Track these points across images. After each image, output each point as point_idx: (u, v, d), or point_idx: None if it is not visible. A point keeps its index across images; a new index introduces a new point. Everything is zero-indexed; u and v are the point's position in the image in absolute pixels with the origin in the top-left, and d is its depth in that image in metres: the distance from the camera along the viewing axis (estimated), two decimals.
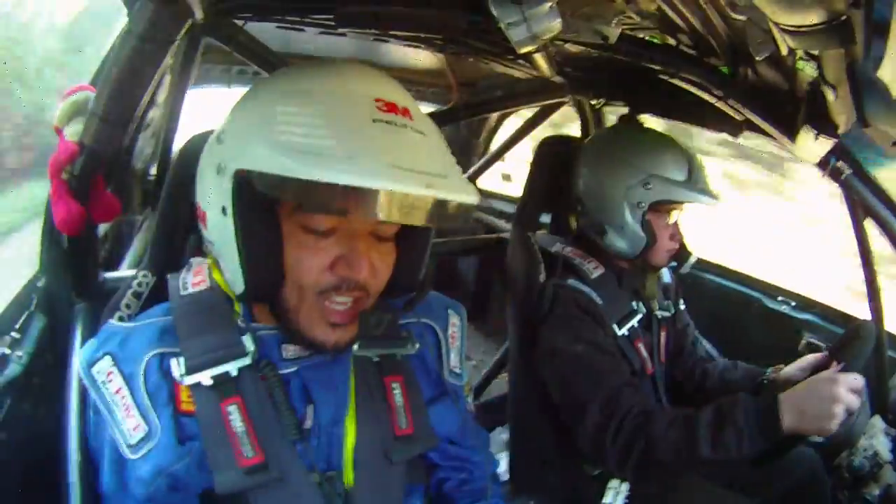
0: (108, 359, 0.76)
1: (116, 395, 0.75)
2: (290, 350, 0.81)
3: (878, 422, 1.17)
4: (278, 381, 0.78)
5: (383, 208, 0.64)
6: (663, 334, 1.48)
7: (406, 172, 0.65)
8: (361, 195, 0.63)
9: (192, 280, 0.83)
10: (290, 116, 0.68)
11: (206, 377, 0.75)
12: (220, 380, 0.76)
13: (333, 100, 0.70)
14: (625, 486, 1.33)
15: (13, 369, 0.94)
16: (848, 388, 1.04)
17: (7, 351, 0.95)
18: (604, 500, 1.32)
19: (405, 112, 0.71)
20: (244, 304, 0.82)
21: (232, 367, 0.76)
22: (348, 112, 0.69)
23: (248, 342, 0.78)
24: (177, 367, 0.75)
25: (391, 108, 0.70)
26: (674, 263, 1.46)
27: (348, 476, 0.82)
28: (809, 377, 1.13)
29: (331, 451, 0.82)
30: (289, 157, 0.64)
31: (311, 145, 0.65)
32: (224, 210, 0.73)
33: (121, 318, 0.91)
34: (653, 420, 1.17)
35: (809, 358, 1.33)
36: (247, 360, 0.77)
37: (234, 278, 0.76)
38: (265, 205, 0.72)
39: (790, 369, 1.36)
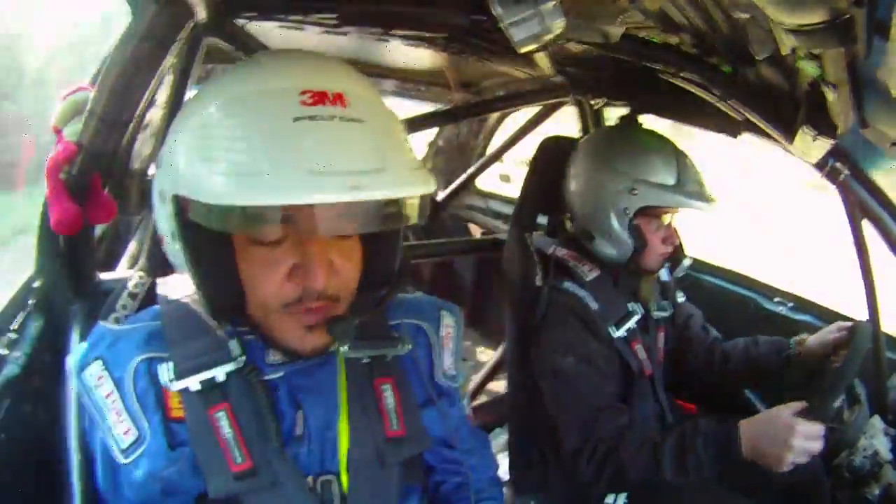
0: (98, 363, 0.76)
1: (107, 399, 0.75)
2: (276, 355, 0.79)
3: (877, 422, 1.17)
4: (263, 388, 0.77)
5: (316, 224, 0.62)
6: (661, 335, 1.48)
7: (326, 178, 0.60)
8: (292, 212, 0.62)
9: (182, 285, 0.83)
10: (213, 131, 0.65)
11: (193, 382, 0.74)
12: (208, 385, 0.75)
13: (255, 103, 0.66)
14: None
15: (11, 370, 0.94)
16: (804, 437, 1.07)
17: (4, 351, 0.94)
18: (605, 502, 1.32)
19: (337, 98, 0.66)
20: None
21: (219, 373, 0.75)
22: (269, 116, 0.64)
23: (234, 347, 0.77)
24: (165, 372, 0.75)
25: (319, 98, 0.65)
26: (668, 265, 1.46)
27: (345, 480, 0.81)
28: (772, 411, 1.16)
29: (324, 456, 0.80)
30: (212, 180, 0.62)
31: (233, 164, 0.62)
32: (173, 235, 0.71)
33: (117, 319, 0.91)
34: (622, 446, 1.23)
35: (833, 328, 1.35)
36: (233, 365, 0.76)
37: (199, 299, 0.75)
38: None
39: (814, 341, 1.38)
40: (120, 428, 0.74)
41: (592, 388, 1.29)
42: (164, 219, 0.73)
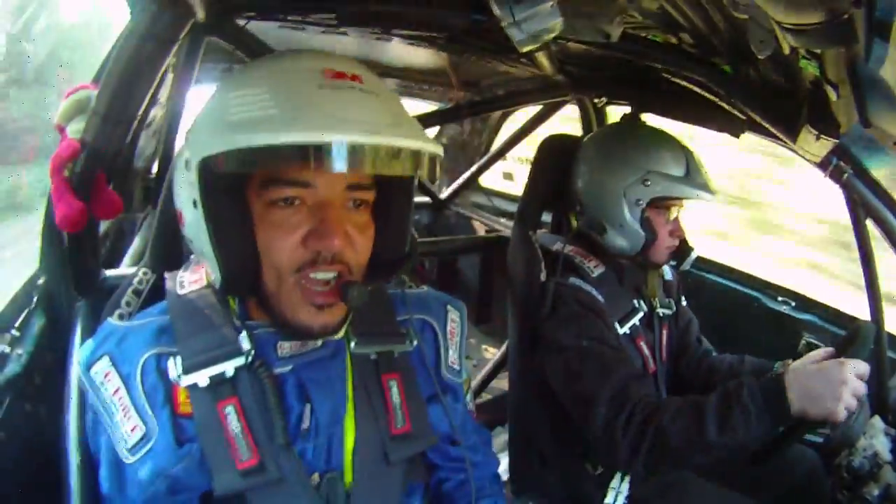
0: (105, 359, 0.76)
1: (114, 395, 0.75)
2: (284, 348, 0.80)
3: (877, 422, 1.17)
4: (272, 382, 0.77)
5: (335, 160, 0.64)
6: (665, 332, 1.48)
7: (349, 123, 0.66)
8: (314, 154, 0.64)
9: (190, 279, 0.83)
10: (239, 98, 0.70)
11: (202, 377, 0.75)
12: (217, 380, 0.75)
13: (281, 76, 0.72)
14: (625, 487, 1.33)
15: (13, 367, 0.94)
16: (855, 372, 1.02)
17: (7, 349, 0.95)
18: (605, 501, 1.32)
19: (355, 77, 0.72)
20: (240, 303, 0.81)
21: (228, 367, 0.76)
22: (295, 83, 0.70)
23: (244, 341, 0.77)
24: (174, 367, 0.75)
25: (339, 75, 0.71)
26: (673, 262, 1.46)
27: (348, 476, 0.81)
28: (811, 355, 1.12)
29: (330, 452, 0.81)
30: (236, 132, 0.66)
31: (257, 117, 0.67)
32: (195, 203, 0.73)
33: (121, 316, 0.91)
34: (661, 409, 1.15)
35: (819, 353, 1.32)
36: (242, 360, 0.76)
37: (213, 272, 0.76)
38: (232, 190, 0.73)
39: (798, 365, 1.36)
40: (127, 425, 0.74)
41: (616, 359, 1.26)
42: (185, 188, 0.75)
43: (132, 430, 0.74)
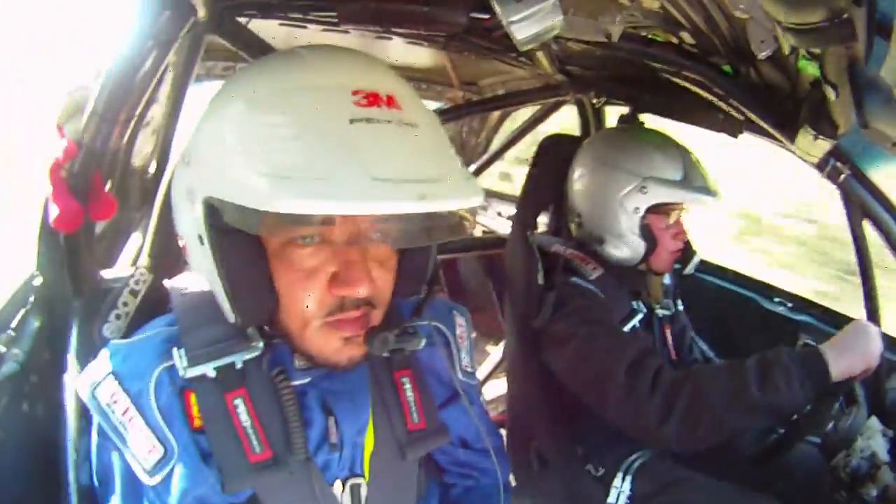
0: (110, 379, 0.70)
1: (124, 416, 0.69)
2: (302, 359, 0.75)
3: (875, 423, 1.17)
4: (292, 394, 0.72)
5: (373, 232, 0.59)
6: (668, 331, 1.47)
7: (391, 186, 0.56)
8: (345, 219, 0.60)
9: (193, 283, 0.80)
10: (257, 128, 0.61)
11: (209, 369, 0.70)
12: (225, 372, 0.71)
13: (305, 99, 0.62)
14: (627, 486, 1.32)
15: (10, 367, 0.93)
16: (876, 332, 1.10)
17: (3, 349, 0.94)
18: (608, 501, 1.32)
19: (390, 101, 0.62)
20: None
21: (237, 359, 0.71)
22: (322, 115, 0.60)
23: (253, 335, 0.73)
24: (179, 359, 0.70)
25: (372, 99, 0.61)
26: (677, 265, 1.46)
27: (366, 477, 0.80)
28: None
29: (354, 459, 0.79)
30: (257, 183, 0.56)
31: (281, 166, 0.57)
32: (201, 239, 0.67)
33: (118, 317, 0.90)
34: (695, 372, 1.14)
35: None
36: (253, 353, 0.72)
37: (224, 308, 0.70)
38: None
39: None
40: (143, 446, 0.68)
41: (625, 340, 1.25)
42: (189, 220, 0.68)
43: (149, 451, 0.68)
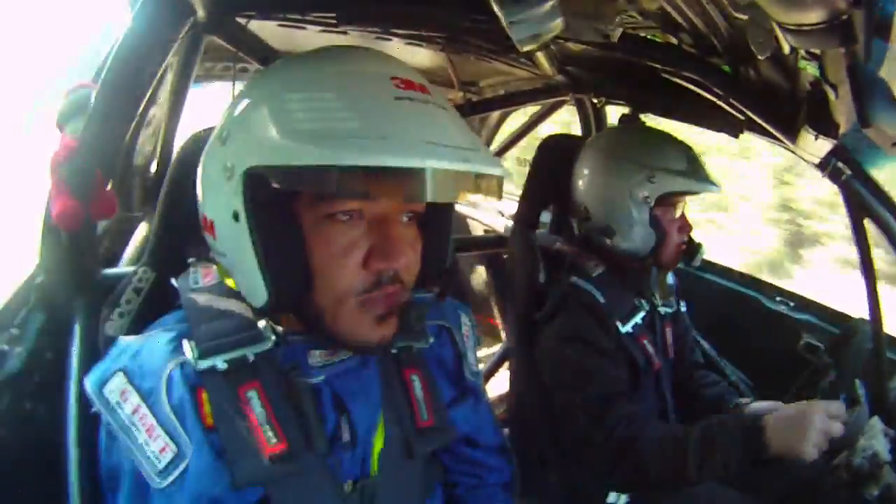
0: (120, 375, 0.69)
1: (134, 415, 0.67)
2: (316, 356, 0.75)
3: (877, 422, 1.17)
4: (309, 390, 0.72)
5: (425, 189, 0.60)
6: (669, 330, 1.48)
7: (443, 148, 0.61)
8: (396, 177, 0.60)
9: (203, 278, 0.79)
10: (302, 102, 0.63)
11: (220, 361, 0.69)
12: (237, 364, 0.69)
13: (347, 80, 0.65)
14: None
15: (12, 365, 0.94)
16: (824, 414, 1.05)
17: (6, 347, 0.95)
18: (607, 501, 1.32)
19: (423, 89, 0.67)
20: None
21: (249, 353, 0.70)
22: (366, 91, 0.64)
23: (265, 328, 0.72)
24: (189, 350, 0.68)
25: (409, 85, 0.66)
26: (680, 265, 1.46)
27: (376, 475, 0.79)
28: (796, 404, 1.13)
29: (365, 458, 0.78)
30: (311, 144, 0.59)
31: (333, 129, 0.60)
32: (236, 215, 0.66)
33: (121, 315, 0.90)
34: (644, 434, 1.18)
35: (769, 405, 1.31)
36: (266, 346, 0.71)
37: (252, 290, 0.69)
38: (282, 203, 0.66)
39: (752, 409, 1.33)
40: (154, 445, 0.66)
41: (602, 373, 1.26)
42: (222, 200, 0.68)
43: (161, 450, 0.66)
